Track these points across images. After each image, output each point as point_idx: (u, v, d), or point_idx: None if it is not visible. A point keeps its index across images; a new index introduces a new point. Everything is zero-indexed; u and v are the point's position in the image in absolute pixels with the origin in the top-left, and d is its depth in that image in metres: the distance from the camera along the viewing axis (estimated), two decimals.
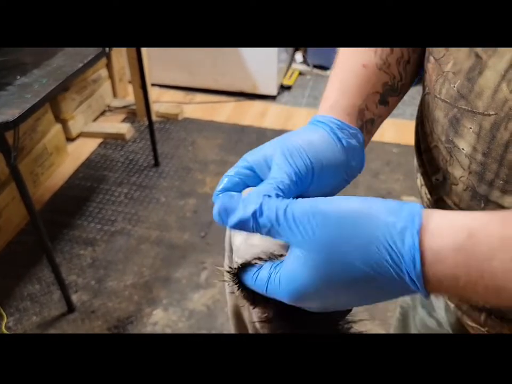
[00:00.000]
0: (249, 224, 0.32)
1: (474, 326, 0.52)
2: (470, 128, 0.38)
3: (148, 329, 1.49)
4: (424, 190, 0.52)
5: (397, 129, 2.27)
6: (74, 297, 1.58)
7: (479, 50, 0.36)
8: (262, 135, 2.33)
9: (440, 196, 0.47)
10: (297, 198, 0.36)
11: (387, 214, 0.30)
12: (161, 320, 1.52)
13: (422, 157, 0.50)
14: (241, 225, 0.32)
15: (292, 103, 2.62)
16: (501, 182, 0.38)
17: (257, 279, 0.33)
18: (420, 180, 0.53)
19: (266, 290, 0.33)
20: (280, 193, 0.36)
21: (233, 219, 0.32)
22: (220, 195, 0.35)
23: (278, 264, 0.33)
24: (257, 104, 2.62)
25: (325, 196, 0.40)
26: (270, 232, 0.32)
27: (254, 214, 0.32)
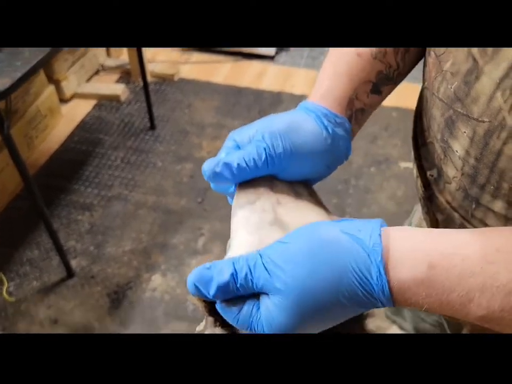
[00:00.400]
0: (230, 287, 0.33)
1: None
2: (464, 132, 0.38)
3: (147, 295, 1.52)
4: (419, 182, 0.52)
5: (397, 92, 2.21)
6: (73, 263, 1.60)
7: (476, 54, 0.35)
8: (259, 97, 2.29)
9: (433, 192, 0.47)
10: (271, 177, 0.40)
11: (352, 244, 0.31)
12: (159, 286, 1.55)
13: (418, 151, 0.49)
14: (222, 291, 0.33)
15: (290, 63, 2.56)
16: (491, 187, 0.38)
17: (239, 322, 0.33)
18: (415, 171, 0.53)
19: (249, 330, 0.34)
20: (244, 165, 0.38)
21: (213, 287, 0.33)
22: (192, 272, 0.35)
23: (256, 305, 0.33)
24: (255, 65, 2.56)
25: (304, 179, 0.43)
26: (248, 289, 0.33)
27: (231, 276, 0.32)
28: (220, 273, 0.32)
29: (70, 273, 1.57)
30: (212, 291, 0.32)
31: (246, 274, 0.32)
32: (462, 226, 0.43)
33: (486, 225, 0.40)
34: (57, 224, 1.72)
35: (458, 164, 0.41)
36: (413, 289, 0.29)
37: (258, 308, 0.32)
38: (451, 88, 0.39)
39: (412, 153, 0.52)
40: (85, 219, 1.77)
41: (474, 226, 0.41)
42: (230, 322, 0.34)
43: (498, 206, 0.38)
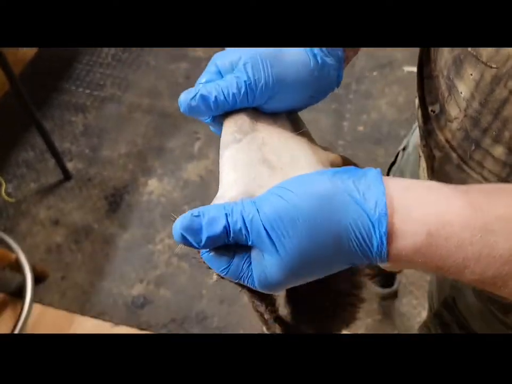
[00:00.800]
0: (220, 239, 0.31)
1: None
2: (471, 74, 0.36)
3: (144, 199, 1.55)
4: (419, 114, 0.50)
5: None
6: (69, 165, 1.61)
7: None
8: None
9: (433, 128, 0.45)
10: (254, 110, 0.38)
11: (356, 210, 0.29)
12: (156, 189, 1.57)
13: (423, 82, 0.47)
14: (212, 243, 0.31)
15: None
16: (493, 132, 0.37)
17: (228, 275, 0.32)
18: (417, 102, 0.51)
19: (237, 282, 0.33)
20: (222, 98, 0.36)
21: (203, 238, 0.31)
22: (179, 217, 0.32)
23: (248, 260, 0.32)
24: None
25: (288, 110, 0.41)
26: (240, 242, 0.31)
27: (224, 229, 0.30)
28: (211, 224, 0.30)
29: (66, 176, 1.58)
30: (202, 242, 0.31)
31: (241, 229, 0.30)
32: (459, 167, 0.42)
33: (483, 168, 0.39)
34: (50, 125, 1.69)
35: (462, 105, 0.39)
36: (410, 255, 0.29)
37: (250, 264, 0.31)
38: None
39: (416, 82, 0.50)
40: (78, 120, 1.73)
41: (472, 168, 0.41)
42: (217, 272, 0.33)
43: (499, 151, 0.37)
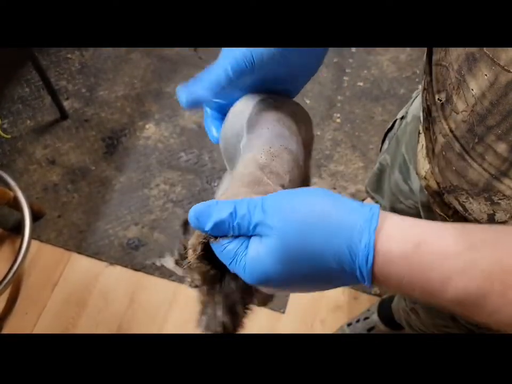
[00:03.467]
0: (226, 225, 0.34)
1: (442, 215, 0.58)
2: (486, 75, 0.37)
3: (141, 143, 1.55)
4: (425, 96, 0.50)
5: None
6: (66, 104, 1.59)
7: None
8: None
9: (438, 116, 0.46)
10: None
11: (350, 212, 0.32)
12: (153, 134, 1.57)
13: (431, 67, 0.47)
14: (218, 227, 0.34)
15: None
16: (499, 131, 0.38)
17: (223, 252, 0.35)
18: (424, 84, 0.51)
19: (229, 265, 0.35)
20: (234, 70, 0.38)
21: (210, 223, 0.34)
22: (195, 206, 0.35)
23: (246, 243, 0.34)
24: None
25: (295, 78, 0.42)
26: (243, 229, 0.34)
27: (230, 215, 0.33)
28: (219, 211, 0.34)
29: (63, 115, 1.57)
30: (209, 226, 0.34)
31: (244, 215, 0.33)
32: (460, 155, 0.43)
33: (484, 160, 0.41)
34: (46, 62, 1.66)
35: (470, 101, 0.40)
36: (396, 264, 0.31)
37: (247, 247, 0.34)
38: None
39: (424, 66, 0.50)
40: (75, 58, 1.69)
41: (473, 159, 0.42)
42: (216, 254, 0.35)
43: (502, 147, 0.38)
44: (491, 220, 0.44)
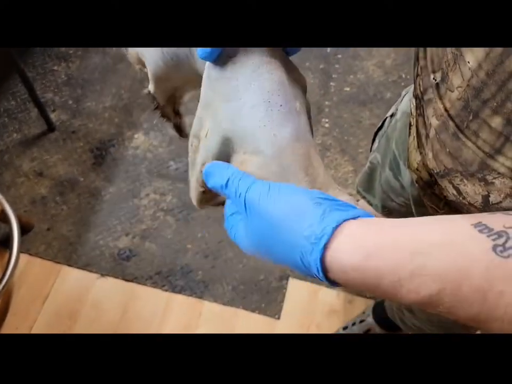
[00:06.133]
0: (220, 192, 0.41)
1: (433, 207, 0.58)
2: None
3: (130, 153, 1.54)
4: (418, 82, 0.51)
5: None
6: (52, 116, 1.58)
7: None
8: None
9: (432, 97, 0.47)
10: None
11: (309, 226, 0.35)
12: (142, 144, 1.57)
13: (425, 49, 0.47)
14: (214, 190, 0.42)
15: None
16: (495, 104, 0.38)
17: (227, 218, 0.42)
18: (417, 69, 0.52)
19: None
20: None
21: (209, 184, 0.42)
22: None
23: (238, 215, 0.41)
24: None
25: None
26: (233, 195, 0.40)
27: (221, 186, 0.40)
28: (219, 176, 0.41)
29: (50, 127, 1.55)
30: (209, 184, 0.42)
31: (236, 192, 0.39)
32: (455, 135, 0.44)
33: (478, 137, 0.41)
34: (32, 74, 1.65)
35: (466, 75, 0.40)
36: (349, 272, 0.33)
37: (240, 219, 0.41)
38: None
39: (416, 52, 0.51)
40: (61, 70, 1.69)
41: (467, 138, 0.42)
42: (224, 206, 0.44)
43: (496, 121, 0.39)
44: (485, 201, 0.44)
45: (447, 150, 0.45)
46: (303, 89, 0.46)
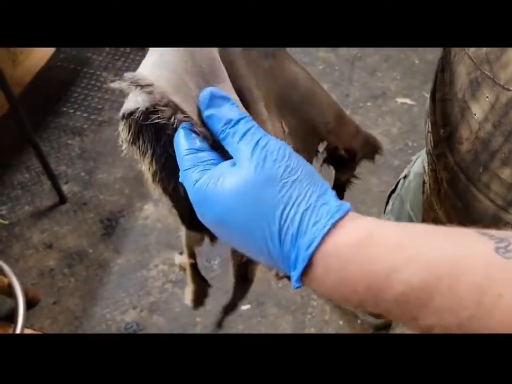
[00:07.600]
0: (220, 124, 0.35)
1: None
2: (487, 97, 0.38)
3: (139, 223, 1.54)
4: (429, 138, 0.52)
5: None
6: (65, 188, 1.60)
7: None
8: None
9: (443, 151, 0.47)
10: None
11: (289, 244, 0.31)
12: (152, 214, 1.57)
13: (435, 105, 0.48)
14: (213, 119, 0.35)
15: None
16: (503, 154, 0.39)
17: (193, 153, 0.35)
18: (428, 126, 0.53)
19: (183, 171, 0.35)
20: None
21: (207, 112, 0.36)
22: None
23: (216, 162, 0.35)
24: None
25: None
26: (225, 141, 0.35)
27: (228, 121, 0.34)
28: (231, 110, 0.35)
29: (62, 199, 1.57)
30: (208, 112, 0.36)
31: (244, 135, 0.34)
32: (466, 188, 0.44)
33: (490, 189, 0.41)
34: (47, 148, 1.69)
35: (474, 127, 0.41)
36: (344, 250, 0.30)
37: (213, 165, 0.35)
38: (483, 48, 0.38)
39: (427, 105, 0.51)
40: (75, 143, 1.74)
41: (479, 190, 0.42)
42: (178, 149, 0.36)
43: (506, 173, 0.39)
44: None
45: (459, 203, 0.45)
46: None
